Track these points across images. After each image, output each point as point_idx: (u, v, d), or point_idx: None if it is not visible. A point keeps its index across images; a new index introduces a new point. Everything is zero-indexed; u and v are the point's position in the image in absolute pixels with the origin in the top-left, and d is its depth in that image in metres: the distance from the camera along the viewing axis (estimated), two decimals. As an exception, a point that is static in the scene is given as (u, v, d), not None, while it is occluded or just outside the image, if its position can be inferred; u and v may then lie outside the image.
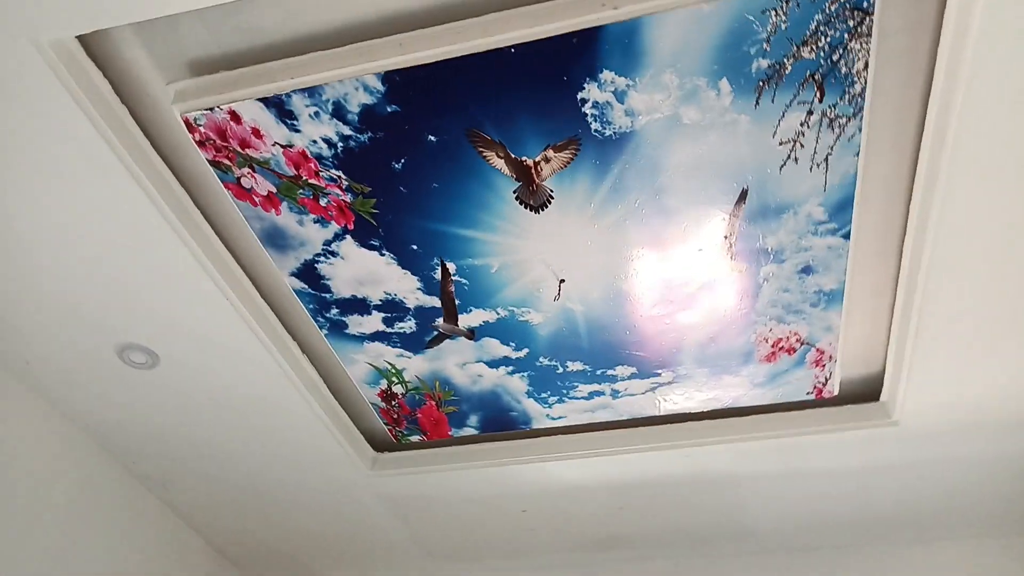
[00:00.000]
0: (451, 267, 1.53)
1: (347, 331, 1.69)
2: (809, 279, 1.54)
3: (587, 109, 1.25)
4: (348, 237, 1.47)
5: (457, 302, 1.61)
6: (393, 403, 1.92)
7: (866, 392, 1.94)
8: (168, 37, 1.24)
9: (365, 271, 1.55)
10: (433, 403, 1.91)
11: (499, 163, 1.33)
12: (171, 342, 1.77)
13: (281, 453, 2.15)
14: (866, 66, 1.18)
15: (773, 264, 1.51)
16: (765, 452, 2.04)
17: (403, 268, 1.54)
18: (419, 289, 1.58)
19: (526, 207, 1.41)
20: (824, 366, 1.76)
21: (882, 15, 1.15)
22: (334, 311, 1.65)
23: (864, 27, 1.13)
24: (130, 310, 1.69)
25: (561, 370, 1.79)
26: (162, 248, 1.53)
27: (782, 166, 1.33)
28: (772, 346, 1.72)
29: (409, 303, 1.62)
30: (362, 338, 1.71)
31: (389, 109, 1.26)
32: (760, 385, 1.83)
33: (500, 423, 1.98)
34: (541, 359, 1.76)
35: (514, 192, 1.38)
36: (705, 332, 1.68)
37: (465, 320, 1.66)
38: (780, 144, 1.29)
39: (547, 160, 1.33)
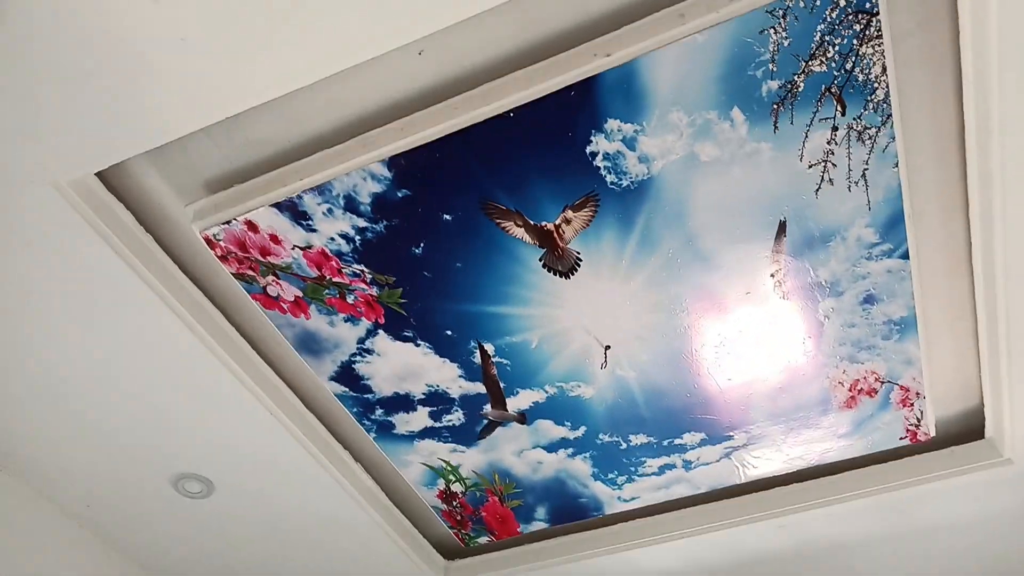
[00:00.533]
0: (489, 348, 1.47)
1: (395, 431, 1.63)
2: (875, 309, 1.42)
3: (599, 162, 1.20)
4: (380, 332, 1.44)
5: (502, 385, 1.54)
6: (454, 503, 1.82)
7: (968, 429, 1.75)
8: (180, 160, 1.27)
9: (403, 365, 1.50)
10: (496, 498, 1.81)
11: (519, 232, 1.29)
12: (224, 467, 1.75)
13: (346, 571, 2.06)
14: (884, 70, 1.11)
15: (831, 298, 1.40)
16: (866, 511, 1.84)
17: (440, 356, 1.49)
18: (461, 376, 1.52)
19: (555, 273, 1.35)
20: (913, 405, 1.60)
21: (890, 16, 1.09)
22: (379, 412, 1.59)
23: (872, 29, 1.07)
24: (181, 439, 1.68)
25: (624, 445, 1.68)
26: (202, 370, 1.52)
27: (817, 190, 1.24)
28: (849, 389, 1.57)
29: (453, 392, 1.56)
30: (411, 436, 1.65)
31: (400, 194, 1.24)
32: (846, 436, 1.67)
33: (570, 512, 1.86)
34: (601, 436, 1.66)
35: (540, 260, 1.33)
36: (772, 383, 1.55)
37: (514, 403, 1.58)
38: (810, 167, 1.21)
39: (567, 221, 1.28)
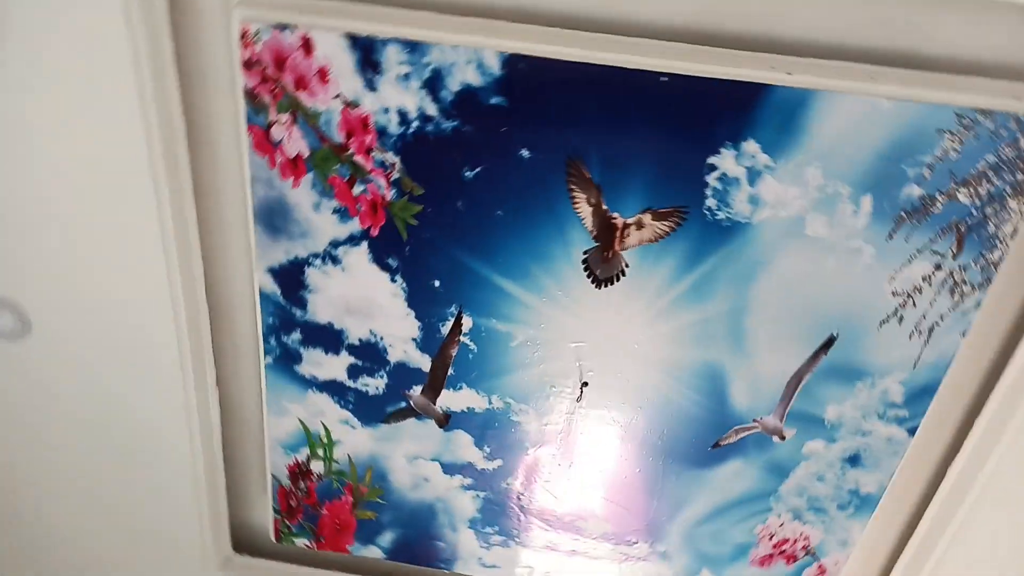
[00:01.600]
0: (467, 323, 1.25)
1: (297, 368, 1.33)
2: (852, 472, 1.33)
3: (711, 179, 1.07)
4: (364, 244, 1.19)
5: (450, 373, 1.31)
6: (301, 485, 1.50)
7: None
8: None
9: (361, 296, 1.24)
10: (351, 500, 1.51)
11: (585, 211, 1.12)
12: (50, 304, 1.36)
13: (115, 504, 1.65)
14: (1014, 233, 1.07)
15: (822, 440, 1.31)
16: None
17: (409, 307, 1.24)
18: (414, 340, 1.28)
19: (590, 276, 1.18)
20: (815, 591, 1.50)
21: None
22: (294, 336, 1.30)
23: (1032, 187, 1.03)
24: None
25: (525, 503, 1.46)
26: (121, 175, 1.19)
27: (884, 322, 1.17)
28: (774, 547, 1.46)
29: (392, 354, 1.30)
30: (310, 383, 1.35)
31: (494, 100, 1.04)
32: (734, 595, 1.54)
33: (416, 553, 1.58)
34: (511, 480, 1.44)
35: (584, 253, 1.16)
36: (711, 501, 1.41)
37: (448, 399, 1.34)
38: (893, 295, 1.14)
39: (640, 226, 1.12)
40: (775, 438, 1.31)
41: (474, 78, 1.03)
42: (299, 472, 1.48)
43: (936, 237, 1.09)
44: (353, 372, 1.33)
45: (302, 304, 1.26)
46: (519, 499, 1.47)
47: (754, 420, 1.30)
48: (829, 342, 1.20)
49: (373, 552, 1.59)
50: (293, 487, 1.51)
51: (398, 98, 1.06)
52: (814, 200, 1.07)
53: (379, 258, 1.20)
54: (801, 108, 1.01)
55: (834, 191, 1.06)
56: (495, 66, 1.02)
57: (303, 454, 1.45)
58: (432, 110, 1.06)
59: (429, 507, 1.50)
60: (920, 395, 1.23)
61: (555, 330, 1.24)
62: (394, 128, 1.08)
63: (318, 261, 1.22)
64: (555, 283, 1.19)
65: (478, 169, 1.10)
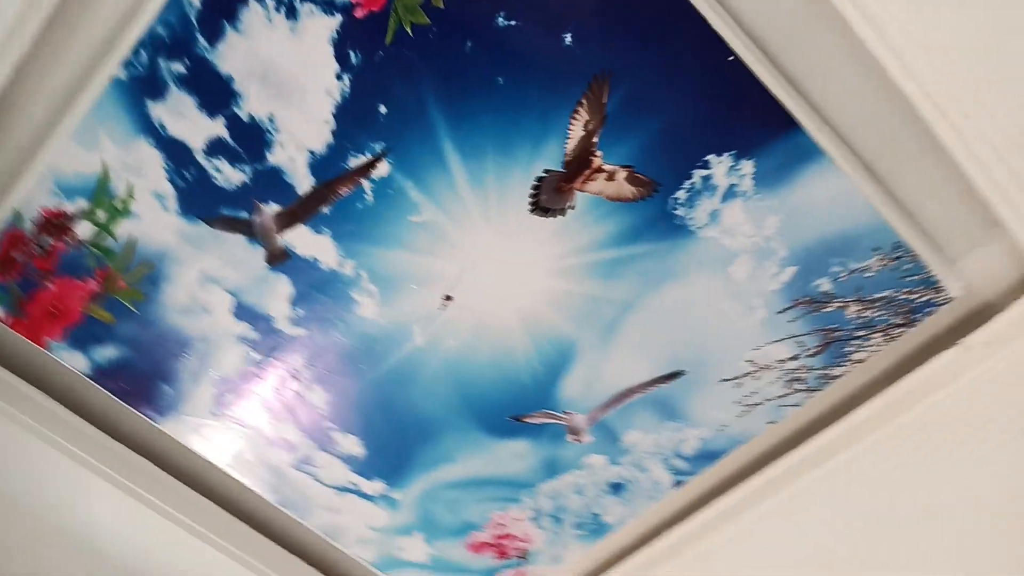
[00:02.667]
0: (383, 169, 1.08)
1: (148, 103, 1.04)
2: (607, 499, 1.38)
3: (696, 174, 1.08)
4: (338, 18, 0.98)
5: (323, 211, 1.12)
6: (44, 240, 1.15)
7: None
8: None
9: (290, 71, 1.02)
10: (95, 288, 1.19)
11: (576, 132, 1.05)
12: None
13: None
14: (862, 362, 1.23)
15: (605, 457, 1.34)
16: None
17: (335, 116, 1.05)
18: (311, 153, 1.07)
19: (534, 197, 1.10)
20: (498, 594, 1.51)
21: (913, 343, 1.23)
22: (176, 66, 1.02)
23: (897, 332, 1.20)
24: None
25: (284, 396, 1.28)
26: None
27: (725, 380, 1.25)
28: (496, 537, 1.44)
29: (275, 156, 1.08)
30: (152, 131, 1.06)
31: (577, -31, 0.95)
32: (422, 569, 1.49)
33: (129, 385, 1.29)
34: (293, 359, 1.25)
35: (545, 172, 1.08)
36: (473, 470, 1.36)
37: (297, 237, 1.14)
38: (747, 362, 1.23)
39: (611, 178, 1.09)
40: (571, 437, 1.32)
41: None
42: (54, 224, 1.14)
43: (811, 332, 1.21)
44: (214, 148, 1.08)
45: (215, 36, 1.00)
46: (281, 387, 1.28)
47: (566, 412, 1.30)
48: (674, 375, 1.25)
49: (75, 360, 1.27)
50: (33, 237, 1.16)
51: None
52: (755, 245, 1.13)
53: (342, 43, 1.01)
54: (806, 160, 1.06)
55: (774, 247, 1.13)
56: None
57: (77, 206, 1.13)
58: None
59: (185, 342, 1.25)
60: (706, 457, 1.33)
61: (464, 232, 1.13)
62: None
63: (271, 2, 0.98)
64: (495, 181, 1.09)
65: (512, 23, 0.99)
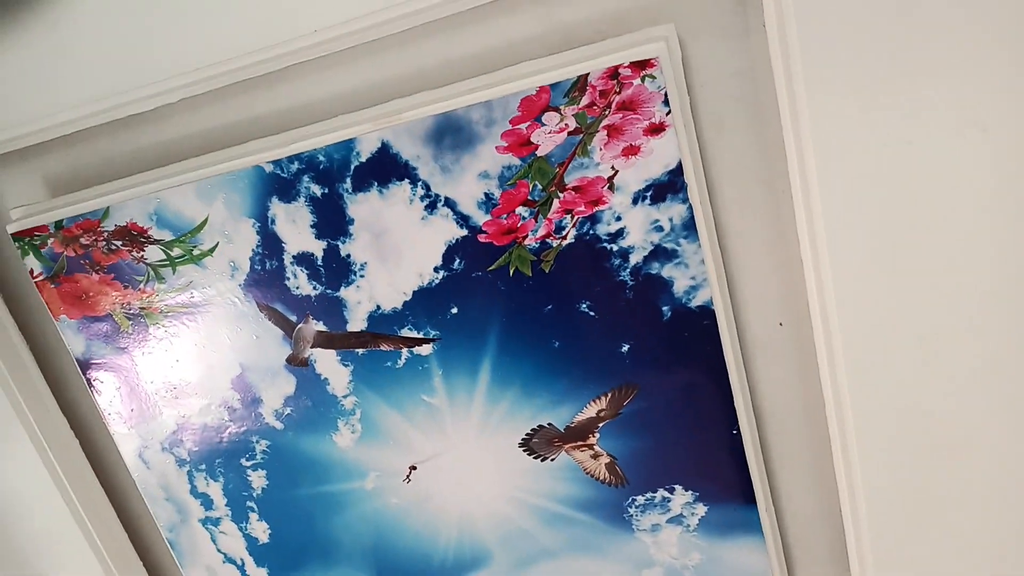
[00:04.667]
0: (425, 349, 1.21)
1: (283, 200, 1.16)
2: None
3: (660, 492, 1.24)
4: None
5: (357, 351, 1.24)
6: (113, 242, 1.24)
7: None
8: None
9: (406, 240, 1.16)
10: (131, 299, 1.27)
11: (589, 412, 1.21)
12: None
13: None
14: None
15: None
16: None
17: (414, 294, 1.18)
18: (379, 309, 1.20)
19: (526, 439, 1.24)
20: None
21: None
22: (314, 189, 1.15)
23: None
24: None
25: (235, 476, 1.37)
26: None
27: None
28: None
29: (351, 293, 1.20)
30: (268, 226, 1.18)
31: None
32: None
33: (109, 390, 1.36)
34: (259, 442, 1.34)
35: (547, 424, 1.23)
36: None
37: (321, 356, 1.25)
38: None
39: (596, 456, 1.24)
40: None
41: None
42: (133, 235, 1.23)
43: None
44: (303, 259, 1.20)
45: (360, 187, 1.14)
46: (234, 460, 1.37)
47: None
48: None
49: (75, 343, 1.33)
50: (107, 234, 1.24)
51: (626, 225, 1.10)
52: (672, 565, 1.29)
53: (454, 250, 1.15)
54: (747, 534, 1.24)
55: (684, 575, 1.30)
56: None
57: (162, 234, 1.22)
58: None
59: (176, 383, 1.33)
60: None
61: (457, 430, 1.26)
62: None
63: (420, 191, 1.13)
64: (503, 411, 1.24)
65: (591, 314, 1.15)
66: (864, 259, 0.99)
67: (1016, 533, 1.09)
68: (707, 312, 1.10)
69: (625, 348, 1.16)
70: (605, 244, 1.10)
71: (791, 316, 1.15)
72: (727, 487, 1.21)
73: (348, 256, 1.19)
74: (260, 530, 1.43)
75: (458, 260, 1.16)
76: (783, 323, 1.15)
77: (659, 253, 1.08)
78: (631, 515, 1.27)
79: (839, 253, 1.00)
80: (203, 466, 1.40)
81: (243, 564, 1.47)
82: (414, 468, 1.32)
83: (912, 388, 1.04)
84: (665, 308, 1.11)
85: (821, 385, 1.12)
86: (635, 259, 1.09)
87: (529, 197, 1.09)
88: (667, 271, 1.09)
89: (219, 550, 1.46)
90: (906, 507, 1.11)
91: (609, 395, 1.19)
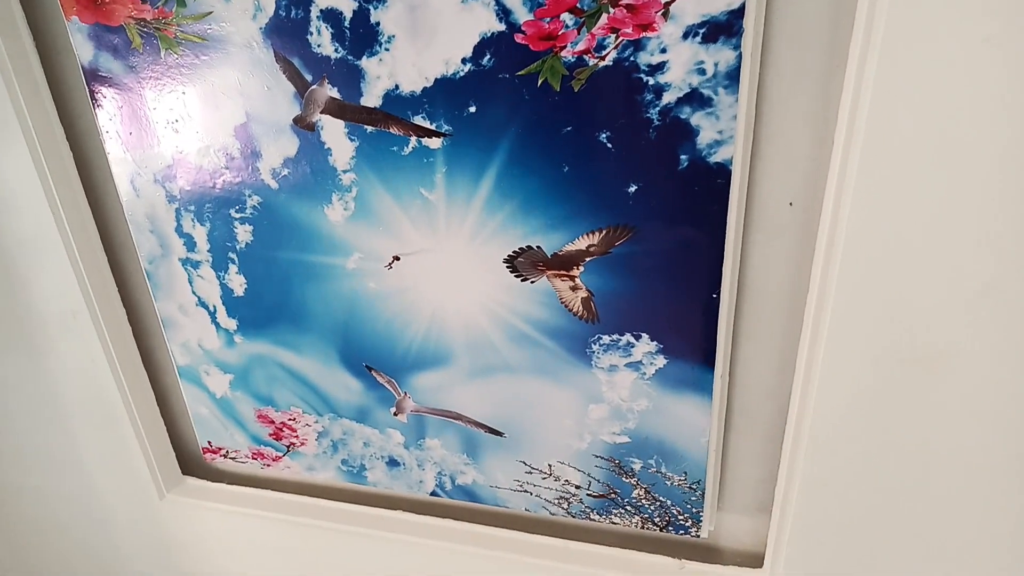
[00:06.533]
0: (435, 143, 1.18)
1: (312, -55, 1.08)
2: (378, 464, 1.58)
3: (627, 336, 1.27)
4: None
5: (364, 128, 1.20)
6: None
7: None
8: None
9: (441, 18, 1.10)
10: (147, 15, 1.22)
11: (579, 244, 1.21)
12: None
13: None
14: (613, 523, 1.49)
15: (403, 437, 1.54)
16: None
17: (436, 83, 1.14)
18: (397, 89, 1.16)
19: (511, 257, 1.25)
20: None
21: (653, 537, 1.51)
22: (356, -58, 1.07)
23: (650, 526, 1.46)
24: None
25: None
26: None
27: (525, 464, 1.47)
28: (283, 422, 1.61)
29: (371, 66, 1.15)
30: (296, -37, 1.10)
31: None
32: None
33: (111, 108, 1.32)
34: (251, 196, 1.33)
35: (536, 247, 1.23)
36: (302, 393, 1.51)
37: (329, 124, 1.22)
38: (548, 464, 1.46)
39: (575, 288, 1.26)
40: (394, 410, 1.50)
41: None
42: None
43: (602, 482, 1.45)
44: (331, 15, 1.14)
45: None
46: (225, 208, 1.36)
47: (405, 392, 1.47)
48: (497, 432, 1.46)
49: (83, 49, 1.28)
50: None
51: None
52: (619, 406, 1.35)
53: (487, 44, 1.10)
54: (697, 392, 1.28)
55: (628, 418, 1.36)
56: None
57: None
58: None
59: (179, 113, 1.30)
60: (468, 493, 1.56)
61: (449, 231, 1.27)
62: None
63: (465, -27, 1.06)
64: (497, 225, 1.23)
65: (609, 145, 1.12)
66: (897, 152, 0.96)
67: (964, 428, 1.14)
68: (724, 171, 1.08)
69: (632, 188, 1.14)
70: (642, 75, 1.05)
71: (803, 199, 1.13)
72: (691, 346, 1.24)
73: (377, 24, 1.13)
74: (237, 283, 1.46)
75: (488, 56, 1.11)
76: (793, 203, 1.14)
77: (693, 98, 1.04)
78: (593, 352, 1.30)
79: (874, 138, 0.96)
80: (192, 207, 1.40)
81: (215, 311, 1.51)
82: (397, 259, 1.33)
83: (898, 301, 1.04)
84: (684, 157, 1.08)
85: (811, 271, 1.12)
86: (668, 98, 1.05)
87: (578, 4, 1.03)
88: (696, 119, 1.05)
89: (194, 292, 1.50)
90: (858, 405, 1.15)
91: (604, 232, 1.19)
